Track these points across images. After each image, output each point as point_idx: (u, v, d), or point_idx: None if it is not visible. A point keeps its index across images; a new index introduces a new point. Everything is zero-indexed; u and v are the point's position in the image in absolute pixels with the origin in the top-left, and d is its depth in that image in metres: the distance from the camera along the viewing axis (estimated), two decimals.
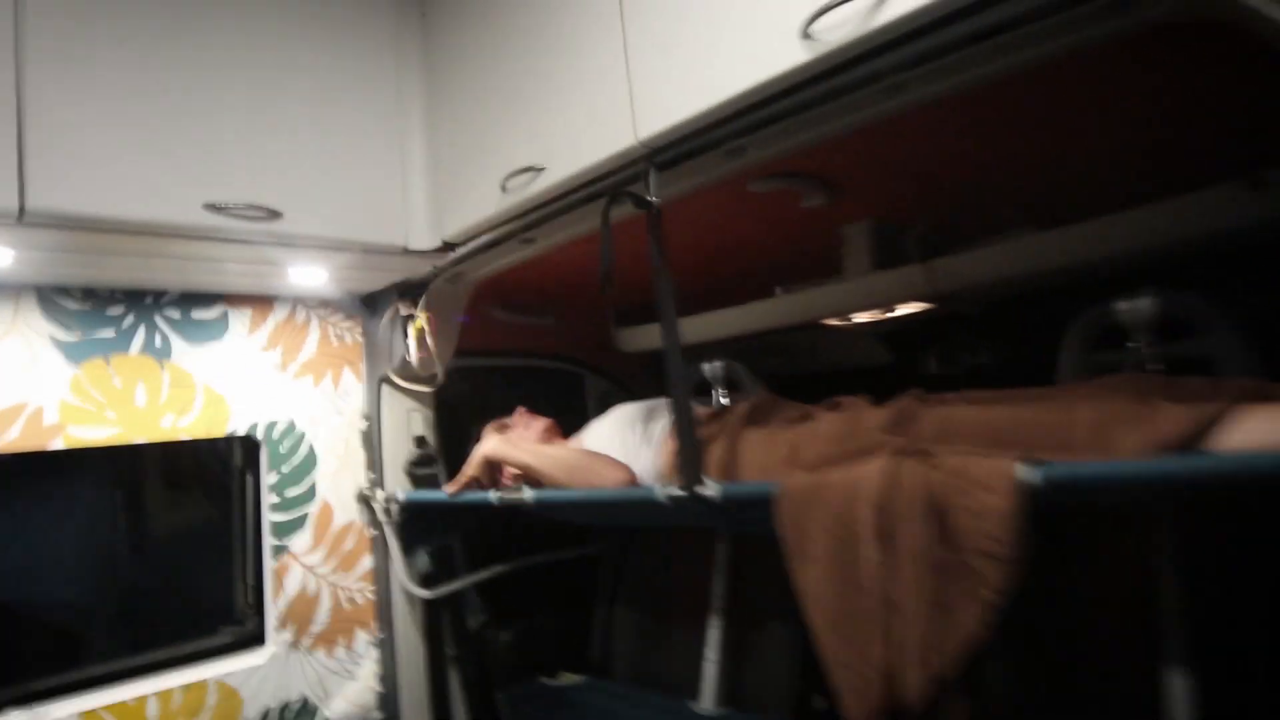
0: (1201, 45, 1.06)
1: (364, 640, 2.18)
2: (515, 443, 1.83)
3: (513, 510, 1.90)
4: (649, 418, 1.84)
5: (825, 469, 1.21)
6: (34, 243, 1.48)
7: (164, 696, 1.83)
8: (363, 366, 2.25)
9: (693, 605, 2.20)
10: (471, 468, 1.88)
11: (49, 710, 1.72)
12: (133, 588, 2.11)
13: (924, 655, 1.01)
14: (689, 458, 1.37)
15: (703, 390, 2.16)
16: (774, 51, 1.13)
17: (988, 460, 1.03)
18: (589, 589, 2.51)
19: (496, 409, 2.35)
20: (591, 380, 2.83)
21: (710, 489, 1.34)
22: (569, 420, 2.36)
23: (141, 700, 1.80)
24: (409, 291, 2.11)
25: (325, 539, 2.13)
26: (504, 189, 1.60)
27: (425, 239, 1.81)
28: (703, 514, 1.46)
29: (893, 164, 1.52)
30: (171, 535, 2.16)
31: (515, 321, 2.50)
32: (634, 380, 2.82)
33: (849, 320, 2.01)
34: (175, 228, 1.50)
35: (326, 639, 2.11)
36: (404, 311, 2.11)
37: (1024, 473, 0.98)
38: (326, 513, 2.15)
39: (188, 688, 1.86)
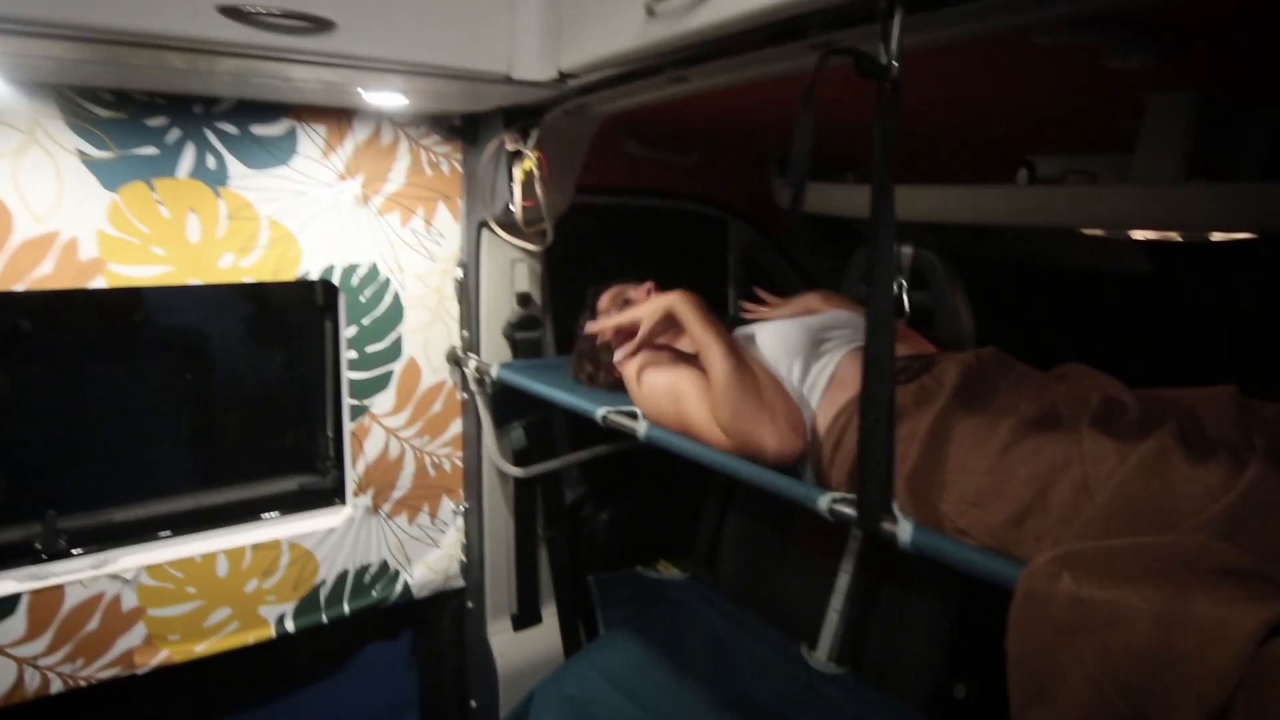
0: None
1: (449, 508, 1.98)
2: (708, 315, 1.37)
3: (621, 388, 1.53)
4: (814, 348, 1.37)
5: (1108, 576, 0.75)
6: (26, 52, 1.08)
7: (234, 555, 1.69)
8: (461, 203, 1.83)
9: (822, 536, 1.86)
10: (647, 317, 1.41)
11: (116, 558, 1.60)
12: (206, 428, 1.94)
13: None
14: (877, 471, 0.93)
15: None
16: None
17: None
18: (702, 480, 2.20)
19: (621, 261, 1.92)
20: (737, 229, 2.32)
21: (901, 530, 0.91)
22: (706, 277, 1.91)
23: (210, 558, 1.67)
24: (519, 118, 1.62)
25: (411, 400, 1.86)
26: (651, 12, 1.05)
27: (536, 68, 1.29)
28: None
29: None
30: (247, 379, 1.94)
31: (650, 156, 1.98)
32: (791, 237, 2.30)
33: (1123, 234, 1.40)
34: (188, 40, 1.06)
35: (409, 504, 1.91)
36: (510, 146, 1.63)
37: None
38: (413, 371, 1.86)
39: (259, 546, 1.71)
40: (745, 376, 1.23)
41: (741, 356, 1.27)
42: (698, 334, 1.32)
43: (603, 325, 1.48)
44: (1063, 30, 0.93)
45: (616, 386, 1.57)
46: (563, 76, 1.29)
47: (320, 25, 1.09)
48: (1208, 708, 0.65)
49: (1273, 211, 1.17)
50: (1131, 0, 0.83)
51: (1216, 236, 1.28)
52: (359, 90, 1.41)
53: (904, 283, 1.68)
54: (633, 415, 1.37)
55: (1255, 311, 1.59)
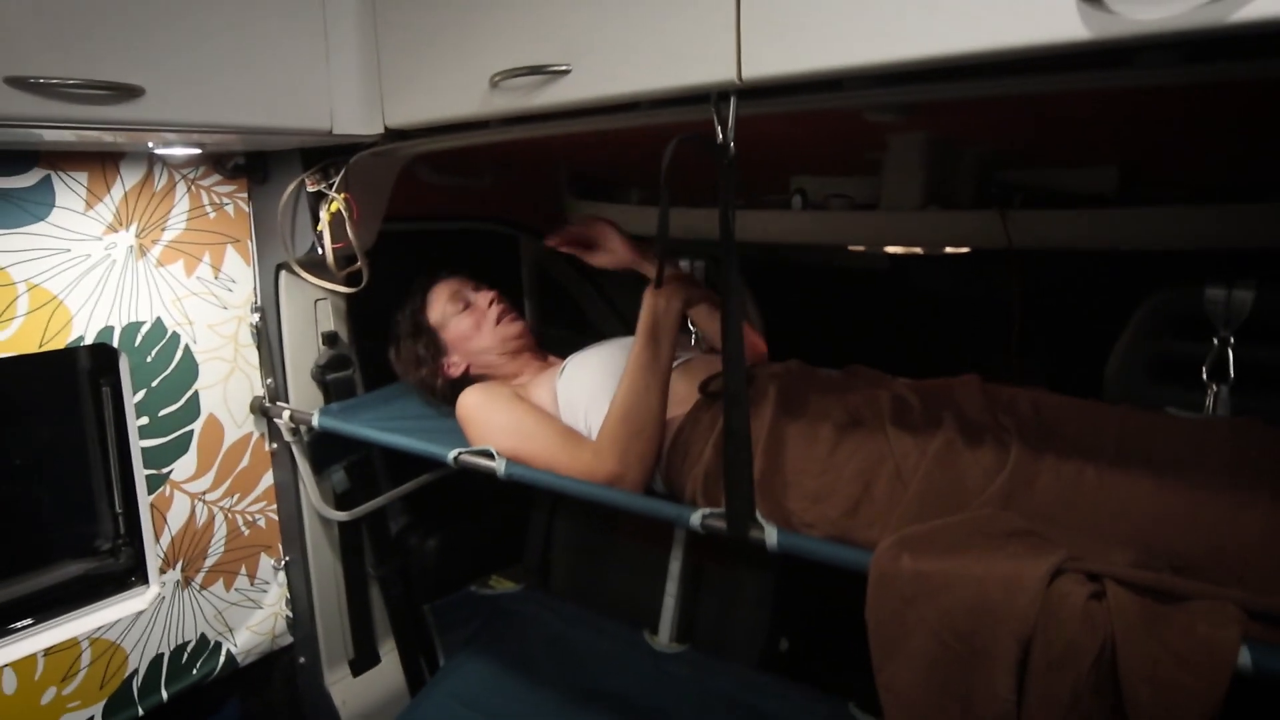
0: None
1: (269, 565, 1.87)
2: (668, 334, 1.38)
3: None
4: None
5: (935, 552, 0.97)
6: None
7: (23, 666, 1.48)
8: (252, 246, 1.72)
9: (647, 528, 2.02)
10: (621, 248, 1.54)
11: None
12: None
13: None
14: (741, 489, 1.08)
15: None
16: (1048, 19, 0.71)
17: (1185, 621, 0.82)
18: (526, 492, 2.27)
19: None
20: (527, 243, 2.39)
21: (768, 535, 1.08)
22: (503, 292, 1.97)
23: None
24: (318, 158, 1.56)
25: (215, 461, 1.73)
26: (495, 85, 1.09)
27: (360, 124, 1.27)
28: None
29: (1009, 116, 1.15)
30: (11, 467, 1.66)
31: (444, 183, 1.98)
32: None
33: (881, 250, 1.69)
34: None
35: (224, 570, 1.78)
36: (312, 187, 1.57)
37: (1244, 658, 0.78)
38: (214, 429, 1.72)
39: (52, 650, 1.51)
40: (650, 423, 1.32)
41: (660, 388, 1.35)
42: (637, 345, 1.36)
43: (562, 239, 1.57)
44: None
45: (447, 390, 1.63)
46: (391, 134, 1.28)
47: (127, 93, 1.00)
48: (1019, 637, 0.88)
49: (985, 230, 1.50)
50: (907, 101, 1.02)
51: (948, 250, 1.60)
52: (148, 144, 1.28)
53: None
54: (488, 455, 1.42)
55: (967, 297, 1.98)
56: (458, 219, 2.16)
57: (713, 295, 1.53)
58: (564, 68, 1.03)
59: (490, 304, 1.72)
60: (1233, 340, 1.41)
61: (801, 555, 1.06)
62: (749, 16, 0.88)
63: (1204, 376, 1.41)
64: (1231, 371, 1.40)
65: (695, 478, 1.30)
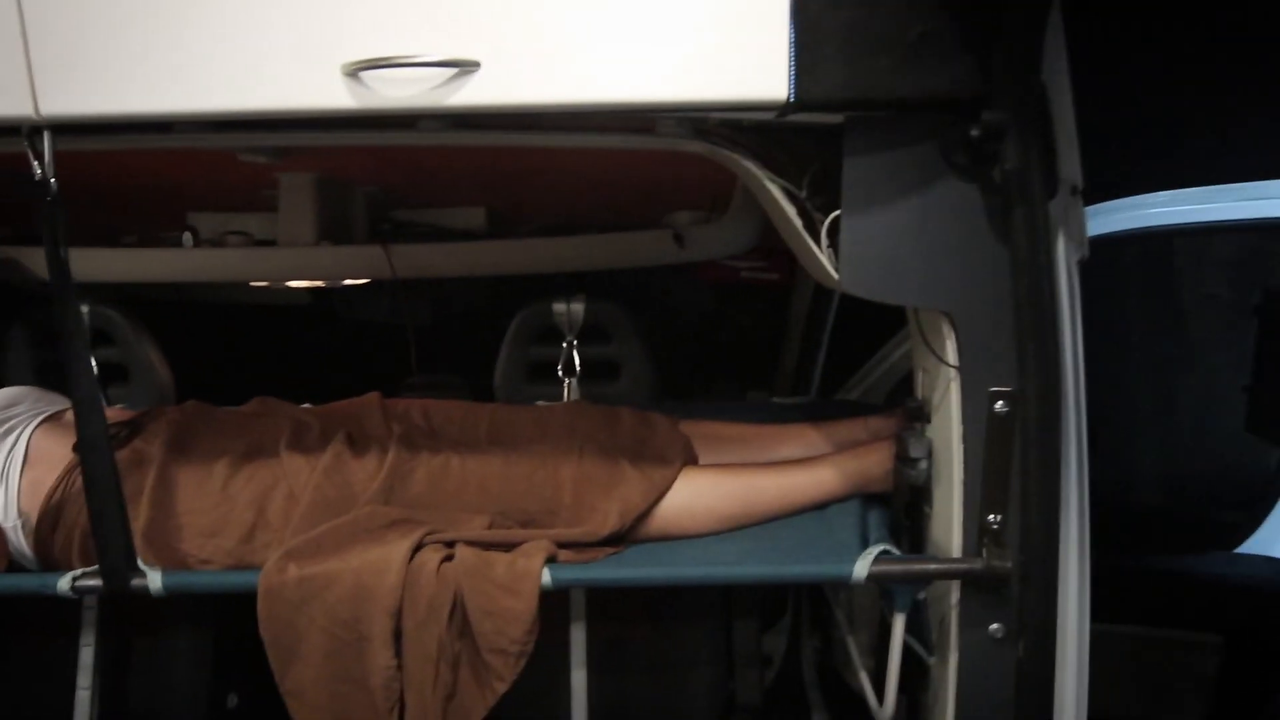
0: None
1: None
2: None
3: None
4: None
5: (317, 556, 1.06)
6: None
7: None
8: None
9: (47, 623, 1.72)
10: None
11: None
12: None
13: None
14: (115, 539, 1.03)
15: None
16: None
17: (509, 560, 1.05)
18: None
19: None
20: None
21: (151, 580, 1.04)
22: None
23: None
24: None
25: None
26: None
27: None
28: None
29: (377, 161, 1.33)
30: None
31: None
32: None
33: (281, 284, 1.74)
34: None
35: None
36: None
37: (546, 577, 1.03)
38: None
39: None
40: None
41: None
42: None
43: None
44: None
45: None
46: None
47: None
48: (390, 611, 1.02)
49: (374, 263, 1.66)
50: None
51: (348, 282, 1.73)
52: None
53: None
54: None
55: (383, 322, 2.15)
56: None
57: None
58: None
59: None
60: (576, 342, 1.81)
61: (191, 591, 1.07)
62: (38, 53, 0.86)
63: (559, 373, 1.79)
64: (577, 367, 1.81)
65: (72, 544, 1.18)
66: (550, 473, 1.23)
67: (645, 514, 1.18)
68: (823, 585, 1.66)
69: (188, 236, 1.64)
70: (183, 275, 1.65)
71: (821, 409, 1.69)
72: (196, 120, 0.91)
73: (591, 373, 1.83)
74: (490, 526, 1.15)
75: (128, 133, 1.00)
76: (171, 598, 1.05)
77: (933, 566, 1.03)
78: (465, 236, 1.81)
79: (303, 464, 1.21)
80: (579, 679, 1.38)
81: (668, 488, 1.20)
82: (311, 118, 0.95)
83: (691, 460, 1.29)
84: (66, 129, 0.94)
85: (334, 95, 0.86)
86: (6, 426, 1.31)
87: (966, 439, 0.99)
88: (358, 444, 1.27)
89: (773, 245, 1.78)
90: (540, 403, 1.70)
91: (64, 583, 1.04)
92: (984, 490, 0.96)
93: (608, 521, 1.15)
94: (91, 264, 1.60)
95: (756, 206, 1.69)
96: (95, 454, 1.00)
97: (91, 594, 1.05)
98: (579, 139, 1.06)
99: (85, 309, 1.74)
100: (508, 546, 1.11)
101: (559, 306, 1.78)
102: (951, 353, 0.99)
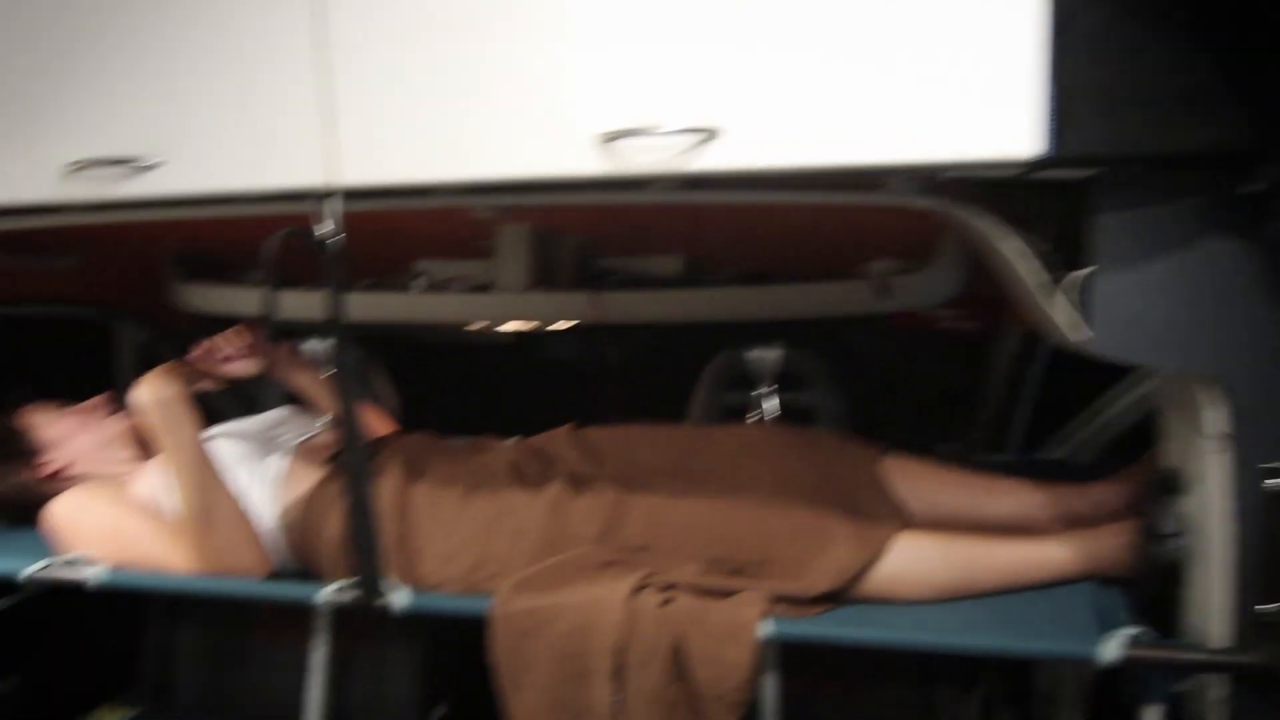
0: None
1: None
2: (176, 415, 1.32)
3: None
4: (266, 446, 1.48)
5: (544, 589, 1.13)
6: None
7: None
8: None
9: (287, 618, 1.92)
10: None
11: None
12: None
13: None
14: (368, 559, 1.15)
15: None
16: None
17: (728, 608, 1.06)
18: (136, 605, 2.01)
19: None
20: (127, 328, 2.17)
21: (398, 599, 1.15)
22: (91, 382, 1.79)
23: None
24: None
25: None
26: (73, 173, 1.05)
27: None
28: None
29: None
30: None
31: (19, 267, 1.75)
32: (190, 332, 2.25)
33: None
34: None
35: None
36: None
37: (765, 629, 1.04)
38: None
39: None
40: (214, 507, 1.29)
41: (208, 477, 1.31)
42: (159, 443, 1.31)
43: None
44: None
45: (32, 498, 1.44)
46: None
47: None
48: (610, 647, 1.06)
49: (582, 308, 1.76)
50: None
51: (555, 326, 1.83)
52: None
53: None
54: (71, 564, 1.27)
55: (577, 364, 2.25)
56: (32, 303, 1.91)
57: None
58: (156, 161, 1.04)
59: (96, 405, 1.56)
60: (771, 389, 1.82)
61: (431, 613, 1.16)
62: (344, 130, 0.99)
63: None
64: (770, 413, 1.81)
65: (330, 550, 1.31)
66: (761, 523, 1.23)
67: (859, 575, 1.16)
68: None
69: (420, 281, 1.81)
70: (413, 316, 1.82)
71: (1025, 468, 1.60)
72: (463, 187, 1.01)
73: (788, 419, 1.83)
74: (700, 574, 1.17)
75: (398, 197, 1.12)
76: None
77: (1202, 657, 0.93)
78: (663, 283, 1.87)
79: (526, 501, 1.28)
80: None
81: (880, 550, 1.17)
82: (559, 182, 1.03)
83: (901, 518, 1.26)
84: (354, 195, 1.08)
85: (587, 162, 0.93)
86: (275, 442, 1.50)
87: (1233, 516, 0.90)
88: (571, 483, 1.33)
89: (975, 294, 1.73)
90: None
91: (324, 595, 1.17)
92: (1260, 575, 0.87)
93: (821, 580, 1.13)
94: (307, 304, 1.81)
95: (963, 256, 1.65)
96: (357, 479, 1.12)
97: (346, 607, 1.15)
98: (807, 197, 1.08)
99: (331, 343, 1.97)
100: (723, 593, 1.13)
101: (755, 354, 1.80)
102: (1215, 421, 0.91)
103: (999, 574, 1.17)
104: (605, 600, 1.08)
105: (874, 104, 0.88)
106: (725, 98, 0.91)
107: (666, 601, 1.09)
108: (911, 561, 1.17)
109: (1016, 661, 1.68)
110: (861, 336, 2.01)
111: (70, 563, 1.28)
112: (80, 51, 1.07)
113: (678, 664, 1.06)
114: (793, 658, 1.34)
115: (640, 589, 1.10)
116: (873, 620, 1.11)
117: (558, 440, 1.45)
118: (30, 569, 1.27)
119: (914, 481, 1.35)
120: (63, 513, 1.36)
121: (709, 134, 0.90)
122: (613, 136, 0.92)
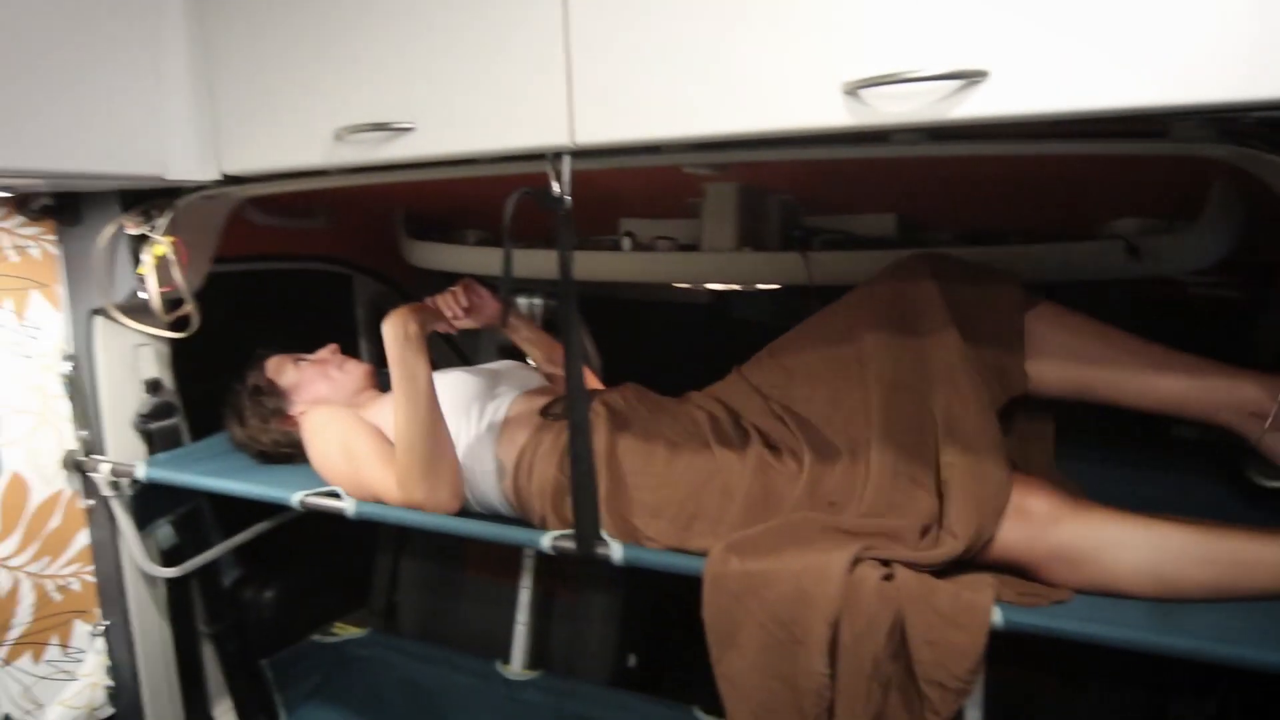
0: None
1: (84, 631, 1.73)
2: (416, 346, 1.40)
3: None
4: (490, 390, 1.56)
5: (759, 553, 1.11)
6: None
7: None
8: (62, 290, 1.62)
9: (497, 557, 2.07)
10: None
11: None
12: None
13: None
14: (586, 511, 1.18)
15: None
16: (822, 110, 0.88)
17: (954, 590, 1.00)
18: (370, 531, 2.24)
19: (249, 328, 1.87)
20: (362, 283, 2.38)
21: (614, 551, 1.18)
22: (337, 331, 1.97)
23: None
24: (136, 199, 1.52)
25: (19, 523, 1.60)
26: (340, 138, 1.14)
27: (195, 170, 1.26)
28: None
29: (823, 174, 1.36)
30: None
31: (276, 225, 1.96)
32: (416, 286, 2.43)
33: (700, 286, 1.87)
34: None
35: (32, 641, 1.64)
36: (131, 229, 1.52)
37: (996, 616, 0.97)
38: (18, 488, 1.59)
39: None
40: (421, 440, 1.35)
41: (426, 411, 1.38)
42: (393, 374, 1.39)
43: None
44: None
45: (282, 446, 1.62)
46: (229, 179, 1.29)
47: None
48: (828, 619, 1.03)
49: (790, 269, 1.70)
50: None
51: (760, 286, 1.79)
52: None
53: None
54: (334, 494, 1.42)
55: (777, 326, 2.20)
56: (289, 259, 2.13)
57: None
58: (408, 125, 1.10)
59: (331, 353, 1.73)
60: None
61: (645, 567, 1.18)
62: (580, 89, 1.00)
63: None
64: None
65: (544, 496, 1.37)
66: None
67: (1081, 559, 1.05)
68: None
69: (627, 241, 1.83)
70: (620, 275, 1.84)
71: None
72: (694, 143, 0.99)
73: None
74: (913, 547, 1.11)
75: (625, 155, 1.13)
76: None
77: None
78: (875, 243, 1.77)
79: (733, 460, 1.27)
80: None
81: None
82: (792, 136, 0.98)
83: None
84: (583, 154, 1.09)
85: (831, 114, 0.89)
86: (498, 390, 1.58)
87: None
88: (769, 444, 1.30)
89: (1241, 259, 1.50)
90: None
91: (546, 541, 1.22)
92: None
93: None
94: (549, 264, 1.86)
95: (1235, 215, 1.43)
96: (580, 435, 1.15)
97: (566, 554, 1.20)
98: (1075, 146, 0.97)
99: (539, 301, 2.05)
100: (940, 572, 1.07)
101: None
102: None
103: (1267, 581, 1.02)
104: (823, 569, 1.05)
105: (1162, 39, 0.76)
106: (994, 36, 0.82)
107: (887, 576, 1.05)
108: (1156, 556, 1.05)
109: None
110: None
111: (332, 494, 1.42)
112: (343, 25, 1.16)
113: (895, 644, 1.01)
114: (1005, 649, 1.25)
115: (857, 562, 1.06)
116: (1108, 616, 1.00)
117: (739, 393, 1.42)
118: (299, 496, 1.42)
119: (1071, 338, 1.24)
120: (310, 427, 1.52)
121: (974, 78, 0.82)
122: (861, 85, 0.86)
